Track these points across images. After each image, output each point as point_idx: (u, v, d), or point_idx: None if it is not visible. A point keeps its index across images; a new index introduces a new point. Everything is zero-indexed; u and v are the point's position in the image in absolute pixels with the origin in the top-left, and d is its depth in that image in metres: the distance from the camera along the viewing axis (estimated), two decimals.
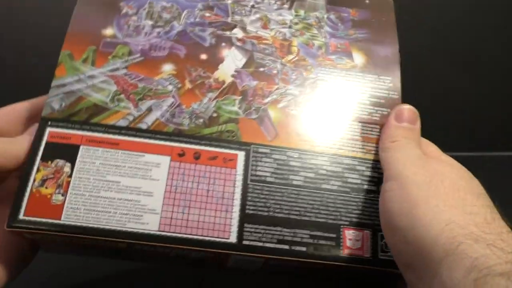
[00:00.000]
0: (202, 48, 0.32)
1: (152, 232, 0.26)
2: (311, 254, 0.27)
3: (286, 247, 0.27)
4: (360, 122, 0.31)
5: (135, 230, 0.26)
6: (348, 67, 0.33)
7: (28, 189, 0.26)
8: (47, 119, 0.28)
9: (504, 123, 0.77)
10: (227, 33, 0.33)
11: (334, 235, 0.28)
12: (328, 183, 0.29)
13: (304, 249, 0.27)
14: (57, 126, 0.28)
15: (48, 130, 0.28)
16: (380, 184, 0.28)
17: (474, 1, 0.82)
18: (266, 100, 0.31)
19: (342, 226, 0.28)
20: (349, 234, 0.28)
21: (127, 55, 0.31)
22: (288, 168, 0.29)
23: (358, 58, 0.34)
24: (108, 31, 0.31)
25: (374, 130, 0.31)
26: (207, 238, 0.27)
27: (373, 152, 0.30)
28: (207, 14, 0.33)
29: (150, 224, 0.26)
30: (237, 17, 0.34)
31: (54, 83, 0.29)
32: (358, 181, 0.29)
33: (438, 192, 0.24)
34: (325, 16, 0.35)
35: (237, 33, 0.33)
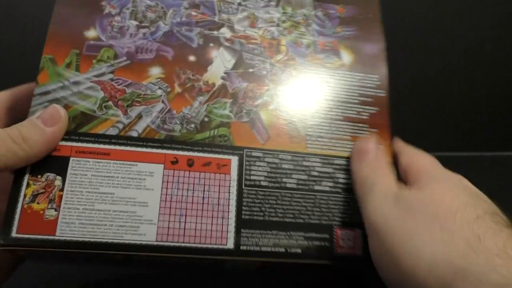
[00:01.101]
0: (190, 49, 0.31)
1: (150, 243, 0.26)
2: (305, 255, 0.28)
3: (282, 250, 0.28)
4: (349, 121, 0.32)
5: (133, 242, 0.26)
6: (336, 66, 0.33)
7: (19, 205, 0.25)
8: None
9: (503, 123, 0.77)
10: (215, 32, 0.32)
11: (327, 236, 0.28)
12: (320, 184, 0.30)
13: (299, 250, 0.28)
14: None
15: None
16: None
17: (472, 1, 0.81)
18: (257, 102, 0.31)
19: (334, 227, 0.29)
20: (341, 234, 0.29)
21: (112, 58, 0.30)
22: (281, 171, 0.29)
23: (346, 56, 0.34)
24: (91, 33, 0.30)
25: (363, 129, 0.32)
26: (204, 246, 0.27)
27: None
28: (194, 13, 0.33)
29: (148, 235, 0.26)
30: (224, 16, 0.33)
31: (37, 90, 0.28)
32: (349, 181, 0.30)
33: (414, 230, 0.22)
34: (313, 13, 0.35)
35: (225, 32, 0.33)
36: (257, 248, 0.27)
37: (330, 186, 0.30)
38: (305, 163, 0.30)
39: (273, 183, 0.29)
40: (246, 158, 0.29)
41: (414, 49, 0.84)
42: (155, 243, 0.26)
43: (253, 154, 0.29)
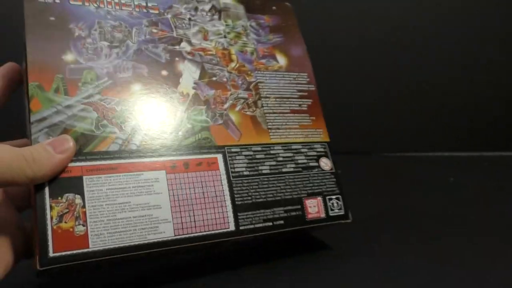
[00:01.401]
0: (160, 64, 0.35)
1: (169, 239, 0.30)
2: (287, 224, 0.35)
3: (270, 223, 0.34)
4: (295, 113, 0.40)
5: (156, 240, 0.30)
6: (276, 69, 0.40)
7: (49, 228, 0.27)
8: None
9: (503, 123, 0.82)
10: (177, 47, 0.36)
11: (299, 207, 0.36)
12: (286, 166, 0.37)
13: (282, 222, 0.35)
14: None
15: None
16: (318, 160, 0.38)
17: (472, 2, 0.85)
18: (225, 106, 0.36)
19: (303, 198, 0.37)
20: (309, 203, 0.37)
21: (95, 79, 0.32)
22: (256, 161, 0.36)
23: (282, 59, 0.41)
24: (69, 57, 0.32)
25: (305, 118, 0.40)
26: (213, 232, 0.32)
27: (309, 136, 0.39)
28: (154, 30, 0.36)
29: (166, 232, 0.30)
30: (180, 31, 0.37)
31: (33, 118, 0.29)
32: (305, 161, 0.38)
33: None
34: (248, 24, 0.41)
35: (185, 46, 0.37)
36: (252, 226, 0.34)
37: (293, 167, 0.37)
38: (272, 152, 0.37)
39: (252, 171, 0.35)
40: (228, 155, 0.35)
41: (414, 49, 0.87)
42: (174, 237, 0.30)
43: (232, 150, 0.35)
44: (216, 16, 0.40)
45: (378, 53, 0.83)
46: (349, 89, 0.85)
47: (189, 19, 0.38)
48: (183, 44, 0.37)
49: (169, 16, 0.37)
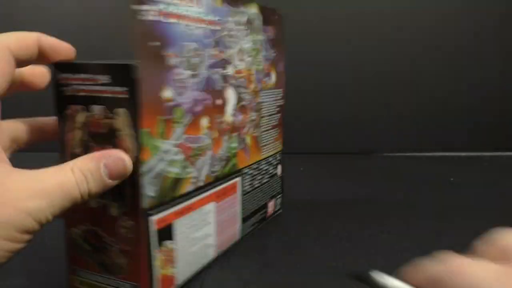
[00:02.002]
0: (217, 93, 0.36)
1: (211, 260, 0.37)
2: (257, 224, 0.46)
3: (253, 227, 0.44)
4: (274, 128, 0.47)
5: (205, 264, 0.36)
6: (269, 86, 0.46)
7: (155, 277, 0.30)
8: (148, 209, 0.29)
9: (503, 123, 0.81)
10: (225, 71, 0.37)
11: (265, 209, 0.47)
12: (264, 178, 0.46)
13: (257, 223, 0.45)
14: (157, 213, 0.29)
15: (153, 219, 0.29)
16: (277, 167, 0.48)
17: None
18: (245, 130, 0.41)
19: (267, 202, 0.47)
20: (269, 205, 0.48)
21: (181, 117, 0.31)
22: (254, 177, 0.43)
23: (273, 76, 0.46)
24: (166, 94, 0.29)
25: (277, 131, 0.48)
26: (229, 245, 0.40)
27: (276, 147, 0.48)
28: (216, 52, 0.35)
29: (211, 255, 0.37)
30: (229, 52, 0.37)
31: (143, 168, 0.28)
32: (271, 170, 0.48)
33: None
34: (263, 38, 0.43)
35: (230, 70, 0.38)
36: (245, 232, 0.43)
37: (267, 177, 0.46)
38: (260, 167, 0.45)
39: (251, 187, 0.43)
40: (242, 176, 0.41)
41: (414, 49, 0.83)
42: (213, 258, 0.37)
43: (244, 171, 0.41)
44: (249, 30, 0.40)
45: (378, 53, 0.82)
46: (349, 89, 0.84)
47: (235, 36, 0.38)
48: (230, 67, 0.37)
49: (225, 33, 0.36)
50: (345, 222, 0.47)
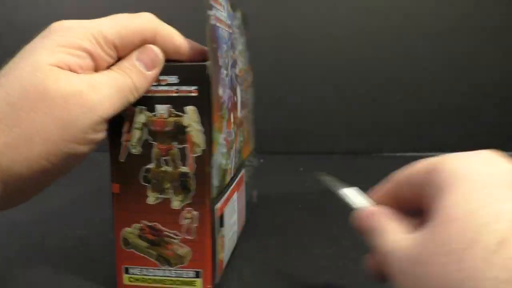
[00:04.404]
0: (234, 90, 0.39)
1: (236, 243, 0.40)
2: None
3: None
4: (249, 123, 0.52)
5: (233, 247, 0.39)
6: (250, 85, 0.50)
7: (217, 262, 0.32)
8: (214, 198, 0.31)
9: (503, 123, 0.80)
10: (234, 70, 0.40)
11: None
12: (251, 170, 0.50)
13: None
14: (218, 201, 0.32)
15: (217, 207, 0.32)
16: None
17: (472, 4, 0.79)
18: (244, 125, 0.45)
19: (254, 192, 0.51)
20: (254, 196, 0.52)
21: (226, 113, 0.34)
22: (250, 168, 0.47)
23: (250, 75, 0.51)
24: (219, 91, 0.32)
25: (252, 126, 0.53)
26: (240, 229, 0.43)
27: (252, 144, 0.52)
28: (232, 53, 0.39)
29: (235, 239, 0.40)
30: (236, 52, 0.41)
31: (212, 162, 0.31)
32: (254, 163, 0.52)
33: None
34: (244, 40, 0.47)
35: (237, 69, 0.41)
36: (247, 217, 0.46)
37: (253, 170, 0.51)
38: (250, 159, 0.49)
39: (249, 177, 0.47)
40: (245, 168, 0.45)
41: (414, 49, 0.80)
42: (235, 242, 0.40)
43: (245, 163, 0.45)
44: (241, 33, 0.44)
45: (378, 52, 0.81)
46: (349, 89, 0.82)
47: (236, 38, 0.42)
48: (237, 67, 0.41)
49: (232, 36, 0.40)
50: (345, 222, 0.51)
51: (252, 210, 0.49)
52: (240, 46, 0.43)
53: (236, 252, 0.40)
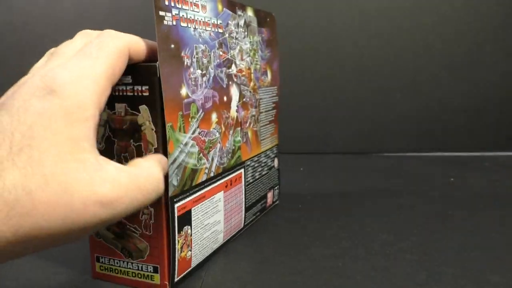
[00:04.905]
0: (223, 90, 0.39)
1: (220, 244, 0.40)
2: (258, 213, 0.49)
3: (254, 216, 0.47)
4: (270, 123, 0.50)
5: (215, 248, 0.39)
6: (266, 84, 0.49)
7: (177, 259, 0.32)
8: (172, 197, 0.32)
9: (503, 123, 0.81)
10: (230, 70, 0.40)
11: (265, 199, 0.50)
12: (264, 170, 0.49)
13: (258, 213, 0.48)
14: (179, 200, 0.32)
15: (176, 206, 0.32)
16: (274, 160, 0.51)
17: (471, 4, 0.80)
18: (247, 125, 0.44)
19: (267, 193, 0.50)
20: (269, 195, 0.51)
21: (196, 112, 0.34)
22: (254, 170, 0.46)
23: (269, 75, 0.50)
24: (184, 91, 0.32)
25: (273, 127, 0.51)
26: (235, 232, 0.43)
27: (273, 141, 0.51)
28: (221, 53, 0.38)
29: (220, 240, 0.39)
30: (232, 52, 0.40)
31: (169, 160, 0.31)
32: (269, 163, 0.51)
33: None
34: (259, 39, 0.47)
35: (234, 69, 0.41)
36: (248, 221, 0.46)
37: (266, 170, 0.50)
38: (260, 159, 0.48)
39: (253, 179, 0.46)
40: (245, 168, 0.44)
41: (415, 49, 0.83)
42: (222, 243, 0.40)
43: (247, 163, 0.44)
44: (246, 32, 0.43)
45: (378, 52, 0.83)
46: (349, 89, 0.84)
47: (236, 38, 0.41)
48: (233, 66, 0.41)
49: (227, 35, 0.39)
50: (345, 222, 0.48)
51: None
52: (243, 45, 0.42)
53: (233, 251, 0.40)
